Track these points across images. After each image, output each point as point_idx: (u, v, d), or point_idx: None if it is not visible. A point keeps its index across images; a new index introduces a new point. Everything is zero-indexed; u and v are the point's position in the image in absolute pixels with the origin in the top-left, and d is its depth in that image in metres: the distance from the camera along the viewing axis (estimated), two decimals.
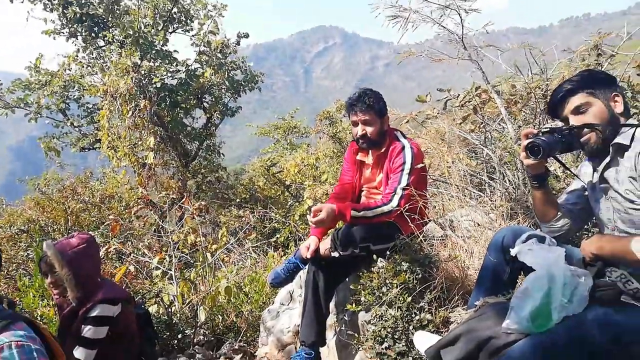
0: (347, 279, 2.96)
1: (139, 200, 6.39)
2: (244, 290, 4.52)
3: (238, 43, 9.37)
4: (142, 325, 2.89)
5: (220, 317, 4.17)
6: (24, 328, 1.56)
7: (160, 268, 4.58)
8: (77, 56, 8.55)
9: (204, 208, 4.77)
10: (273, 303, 3.82)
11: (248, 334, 3.99)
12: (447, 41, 4.02)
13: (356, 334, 2.54)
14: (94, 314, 2.54)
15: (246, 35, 9.73)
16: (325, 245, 2.75)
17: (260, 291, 4.54)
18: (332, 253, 2.70)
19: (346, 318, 2.76)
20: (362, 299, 2.48)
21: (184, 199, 4.64)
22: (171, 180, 7.31)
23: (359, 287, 2.54)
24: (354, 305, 2.50)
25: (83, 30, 8.72)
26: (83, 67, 8.57)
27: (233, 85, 9.11)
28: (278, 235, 6.72)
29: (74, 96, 8.90)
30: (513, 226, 2.18)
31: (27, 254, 5.98)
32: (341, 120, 11.21)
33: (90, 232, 3.45)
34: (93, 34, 8.80)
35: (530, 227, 2.35)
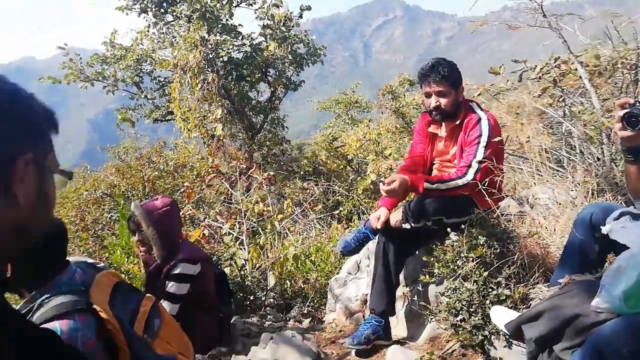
0: (416, 252, 2.96)
1: (210, 170, 6.67)
2: (310, 258, 4.64)
3: (300, 16, 9.36)
4: (218, 285, 3.08)
5: (289, 283, 4.33)
6: (87, 324, 1.26)
7: (231, 233, 4.80)
8: (148, 31, 8.93)
9: (272, 178, 4.90)
10: (339, 272, 3.90)
11: (315, 300, 4.13)
12: (517, 12, 3.80)
13: (428, 305, 2.55)
14: (176, 271, 2.73)
15: (308, 8, 9.68)
16: (396, 216, 2.75)
17: (326, 260, 4.65)
18: (403, 225, 2.70)
19: (418, 289, 2.77)
20: (436, 271, 2.48)
21: (253, 169, 4.79)
22: (238, 152, 7.56)
23: (432, 259, 2.54)
24: (427, 277, 2.50)
25: (153, 6, 9.06)
26: (154, 42, 8.95)
27: (296, 59, 9.15)
28: (341, 208, 6.80)
29: (146, 70, 9.35)
30: (602, 202, 2.08)
31: (111, 215, 6.48)
32: (404, 95, 10.99)
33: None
34: (162, 10, 9.12)
35: (621, 204, 2.23)
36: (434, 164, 3.03)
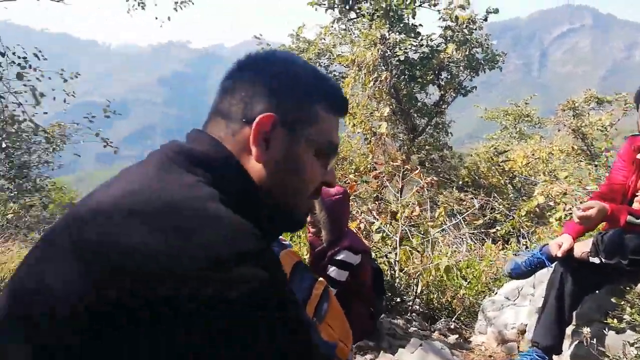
0: (597, 290, 2.62)
1: (369, 167, 6.83)
2: (462, 273, 4.45)
3: (485, 19, 8.93)
4: (374, 280, 3.13)
5: (436, 294, 4.22)
6: None
7: (383, 231, 4.85)
8: (332, 27, 9.42)
9: (435, 184, 4.80)
10: (495, 294, 3.66)
11: (462, 318, 3.95)
12: None
13: (608, 353, 2.24)
14: (339, 257, 2.84)
15: (496, 11, 9.19)
16: (583, 247, 2.46)
17: (478, 278, 4.42)
18: (590, 258, 2.41)
19: (597, 332, 2.45)
20: (626, 317, 2.16)
21: (416, 172, 4.74)
22: (397, 152, 7.57)
23: (622, 302, 2.22)
24: (614, 321, 2.20)
25: (340, 3, 9.51)
26: (335, 37, 9.41)
27: (472, 64, 8.79)
28: (498, 228, 6.36)
29: (324, 64, 9.90)
30: None
31: None
32: (588, 113, 9.79)
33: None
34: (347, 6, 9.52)
35: None
36: (637, 195, 2.64)
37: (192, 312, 0.51)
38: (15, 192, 11.11)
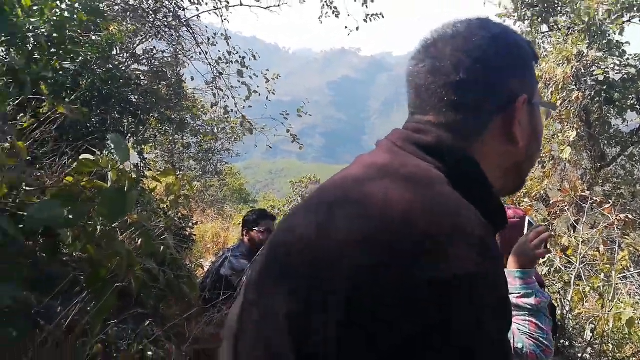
0: None
1: (542, 193, 6.26)
2: None
3: None
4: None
5: (612, 346, 3.70)
6: None
7: (552, 265, 4.42)
8: None
9: (629, 223, 4.19)
10: None
11: None
12: None
13: None
14: None
15: None
16: None
17: None
18: None
19: None
20: None
21: (606, 206, 4.20)
22: (578, 182, 6.79)
23: None
24: None
25: (532, 15, 8.86)
26: None
27: None
28: None
29: None
30: None
31: None
32: None
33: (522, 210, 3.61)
34: (540, 19, 8.83)
35: None
36: None
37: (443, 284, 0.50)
38: (200, 173, 12.94)
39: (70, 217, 1.44)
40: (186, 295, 2.34)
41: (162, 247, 2.33)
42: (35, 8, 1.89)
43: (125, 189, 1.77)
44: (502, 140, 0.70)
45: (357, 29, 6.46)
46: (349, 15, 6.62)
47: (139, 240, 2.27)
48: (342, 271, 0.54)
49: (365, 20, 6.42)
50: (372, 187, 0.61)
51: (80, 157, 1.97)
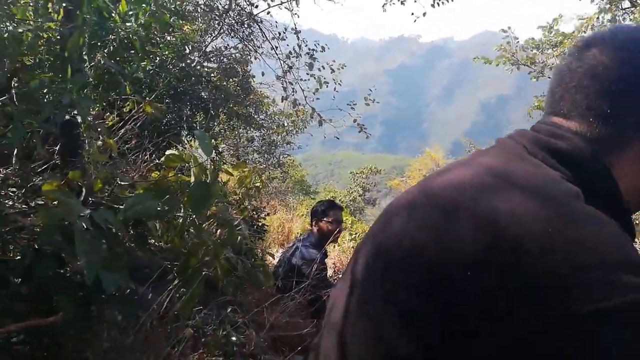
0: None
1: None
2: None
3: None
4: None
5: None
6: None
7: None
8: (598, 18, 8.23)
9: None
10: None
11: None
12: None
13: None
14: None
15: None
16: None
17: None
18: None
19: None
20: None
21: None
22: None
23: None
24: None
25: None
26: (600, 30, 8.18)
27: None
28: None
29: None
30: None
31: None
32: None
33: None
34: None
35: None
36: None
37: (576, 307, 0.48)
38: (264, 166, 13.29)
39: (163, 209, 1.54)
40: (262, 284, 2.43)
41: (238, 237, 2.43)
42: (130, 13, 2.03)
43: (209, 182, 1.87)
44: (638, 163, 0.67)
45: (424, 14, 6.29)
46: (415, 1, 6.45)
47: (218, 231, 2.39)
48: (468, 296, 0.53)
49: (432, 5, 6.23)
50: (500, 200, 0.58)
51: (167, 153, 2.09)
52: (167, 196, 1.64)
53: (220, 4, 4.80)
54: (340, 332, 0.70)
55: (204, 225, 2.57)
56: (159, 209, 1.65)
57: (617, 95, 0.65)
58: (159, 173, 2.10)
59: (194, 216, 1.87)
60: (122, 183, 2.02)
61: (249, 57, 5.15)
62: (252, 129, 10.28)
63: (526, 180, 0.61)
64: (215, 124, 4.88)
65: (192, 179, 1.95)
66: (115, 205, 1.85)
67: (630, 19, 7.67)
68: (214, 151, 4.55)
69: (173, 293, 1.67)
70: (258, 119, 9.66)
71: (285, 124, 10.72)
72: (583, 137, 0.66)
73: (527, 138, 0.69)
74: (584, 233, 0.53)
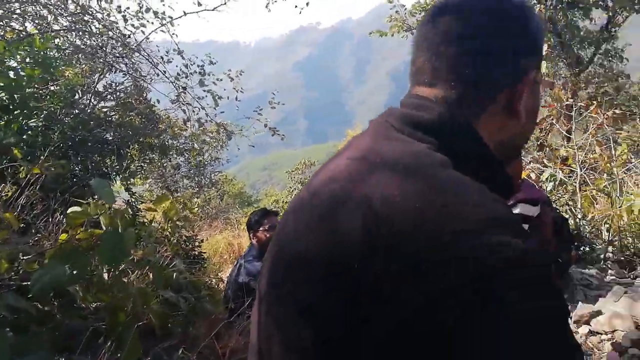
0: None
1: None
2: None
3: None
4: (558, 230, 2.91)
5: (631, 239, 3.76)
6: None
7: (555, 179, 4.45)
8: None
9: (616, 119, 4.21)
10: None
11: None
12: None
13: None
14: (515, 211, 2.70)
15: None
16: None
17: None
18: None
19: None
20: None
21: (592, 107, 4.21)
22: (561, 92, 6.77)
23: None
24: None
25: None
26: None
27: None
28: None
29: None
30: None
31: None
32: None
33: None
34: None
35: None
36: None
37: (458, 273, 0.48)
38: (197, 189, 12.94)
39: (72, 273, 1.44)
40: (212, 312, 2.37)
41: (174, 274, 2.34)
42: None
43: (120, 230, 1.78)
44: (505, 114, 0.68)
45: (307, 4, 6.33)
46: None
47: (151, 275, 2.29)
48: (362, 283, 0.52)
49: None
50: (372, 184, 0.58)
51: (69, 211, 1.96)
52: (76, 257, 1.54)
53: (94, 42, 4.57)
54: (257, 347, 0.69)
55: (135, 272, 2.45)
56: (70, 273, 1.55)
57: (472, 57, 0.66)
58: (66, 235, 1.96)
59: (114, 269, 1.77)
60: (29, 256, 1.87)
61: (142, 86, 4.96)
62: (175, 156, 9.97)
63: (393, 158, 0.61)
64: (129, 162, 4.66)
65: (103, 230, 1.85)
66: (25, 283, 1.72)
67: None
68: (127, 193, 4.36)
69: (111, 355, 1.58)
70: (178, 144, 9.37)
71: (197, 145, 10.48)
72: (447, 103, 0.67)
73: (395, 115, 0.69)
74: (452, 201, 0.53)
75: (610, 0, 7.51)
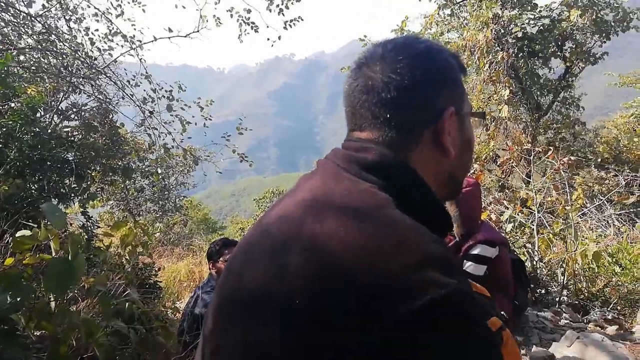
0: None
1: (490, 154, 6.49)
2: (614, 258, 4.03)
3: None
4: (516, 272, 2.97)
5: (585, 283, 3.87)
6: None
7: (515, 220, 4.57)
8: (439, 14, 9.07)
9: (571, 164, 4.40)
10: None
11: (619, 307, 3.58)
12: None
13: None
14: (474, 252, 2.74)
15: None
16: None
17: (633, 263, 3.96)
18: None
19: None
20: None
21: (549, 153, 4.40)
22: (522, 135, 7.08)
23: None
24: None
25: None
26: (441, 25, 9.07)
27: (601, 28, 7.85)
28: None
29: None
30: None
31: None
32: None
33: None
34: None
35: None
36: None
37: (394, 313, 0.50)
38: (160, 213, 12.64)
39: (14, 301, 1.37)
40: (163, 346, 2.28)
41: (126, 304, 2.25)
42: None
43: (70, 257, 1.70)
44: (435, 151, 0.72)
45: (280, 38, 6.45)
46: (268, 27, 6.59)
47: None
48: (305, 316, 0.54)
49: (285, 28, 6.41)
50: (319, 224, 0.60)
51: (17, 235, 1.88)
52: (18, 284, 1.46)
53: (59, 62, 4.49)
54: None
55: (85, 300, 2.35)
56: (12, 300, 1.47)
57: (388, 104, 0.71)
58: (12, 259, 1.87)
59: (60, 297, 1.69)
60: None
61: (108, 109, 4.88)
62: (139, 179, 9.74)
63: (341, 198, 0.64)
64: (89, 184, 4.52)
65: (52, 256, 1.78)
66: None
67: (467, 11, 8.61)
68: (83, 216, 4.21)
69: None
70: (143, 167, 9.18)
71: (161, 170, 10.32)
72: (382, 144, 0.71)
73: (340, 156, 0.73)
74: (388, 242, 0.56)
75: (566, 52, 8.00)
